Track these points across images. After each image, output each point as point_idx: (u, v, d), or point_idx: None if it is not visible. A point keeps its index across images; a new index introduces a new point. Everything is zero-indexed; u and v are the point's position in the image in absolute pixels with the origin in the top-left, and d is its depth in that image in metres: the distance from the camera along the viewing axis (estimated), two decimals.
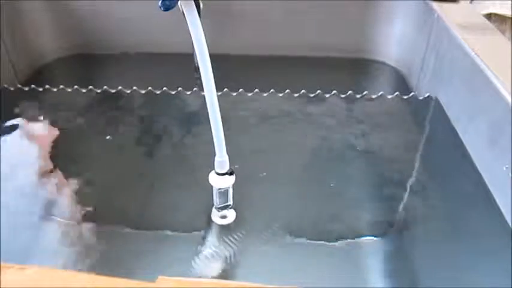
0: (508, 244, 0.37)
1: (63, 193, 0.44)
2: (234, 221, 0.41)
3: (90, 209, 0.42)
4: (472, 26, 0.54)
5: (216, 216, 0.42)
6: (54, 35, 0.75)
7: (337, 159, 0.49)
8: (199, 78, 0.32)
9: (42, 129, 0.54)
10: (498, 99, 0.41)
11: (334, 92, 0.59)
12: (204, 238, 0.40)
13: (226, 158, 0.37)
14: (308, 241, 0.40)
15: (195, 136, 0.52)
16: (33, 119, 0.55)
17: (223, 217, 0.41)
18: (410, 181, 0.47)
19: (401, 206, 0.44)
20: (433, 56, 0.60)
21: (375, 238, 0.40)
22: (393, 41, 0.72)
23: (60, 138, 0.52)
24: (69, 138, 0.52)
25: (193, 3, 0.30)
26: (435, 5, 0.60)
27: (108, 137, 0.52)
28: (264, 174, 0.47)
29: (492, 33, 0.54)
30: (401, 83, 0.69)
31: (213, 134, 0.35)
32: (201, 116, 0.55)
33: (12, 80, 0.66)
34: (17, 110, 0.56)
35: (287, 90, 0.60)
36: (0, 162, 0.47)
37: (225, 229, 0.41)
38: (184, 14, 0.30)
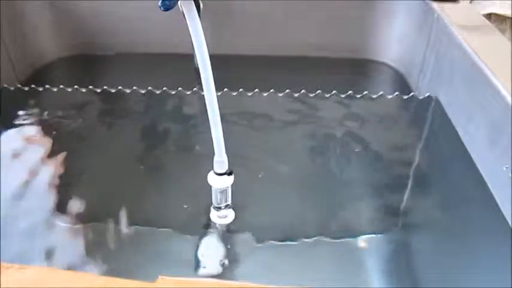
0: (508, 244, 0.37)
1: (62, 193, 0.44)
2: (233, 220, 0.42)
3: (89, 208, 0.42)
4: (472, 26, 0.54)
5: (215, 216, 0.42)
6: (54, 35, 0.75)
7: (337, 159, 0.49)
8: (200, 78, 0.32)
9: (41, 129, 0.54)
10: (498, 99, 0.41)
11: (334, 92, 0.59)
12: (203, 238, 0.40)
13: (225, 158, 0.37)
14: (308, 241, 0.40)
15: (194, 136, 0.52)
16: (32, 118, 0.55)
17: (223, 217, 0.41)
18: (410, 181, 0.47)
19: (401, 206, 0.44)
20: (433, 56, 0.60)
21: (375, 238, 0.40)
22: (393, 41, 0.72)
23: (60, 138, 0.52)
24: (68, 138, 0.52)
25: (193, 3, 0.30)
26: (435, 5, 0.60)
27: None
28: (262, 173, 0.47)
29: (492, 33, 0.53)
30: (401, 83, 0.69)
31: (213, 134, 0.35)
32: (200, 116, 0.55)
33: (12, 80, 0.66)
34: (17, 110, 0.56)
35: (287, 90, 0.60)
36: (0, 161, 0.47)
37: (224, 229, 0.41)
38: (184, 14, 0.30)
